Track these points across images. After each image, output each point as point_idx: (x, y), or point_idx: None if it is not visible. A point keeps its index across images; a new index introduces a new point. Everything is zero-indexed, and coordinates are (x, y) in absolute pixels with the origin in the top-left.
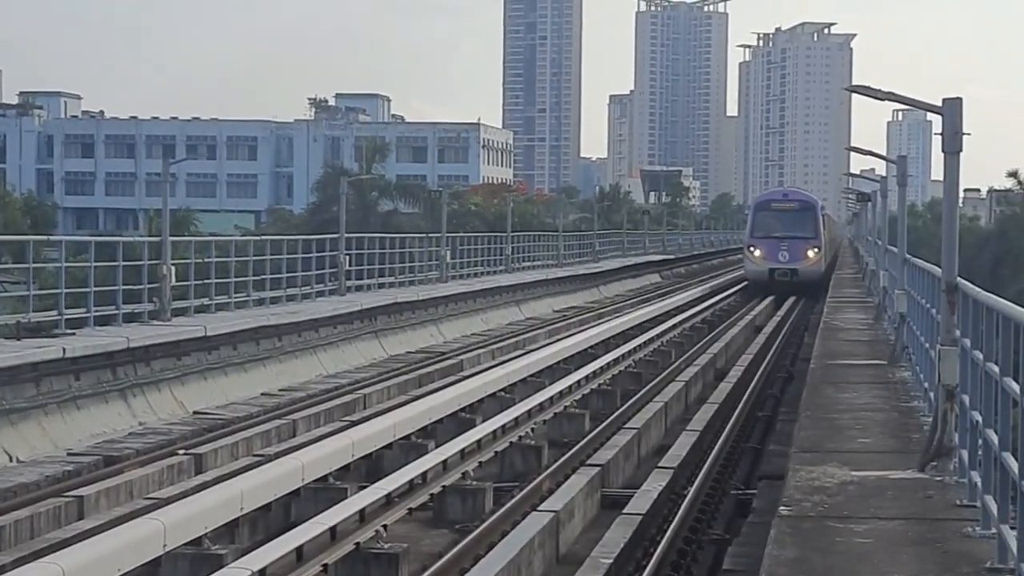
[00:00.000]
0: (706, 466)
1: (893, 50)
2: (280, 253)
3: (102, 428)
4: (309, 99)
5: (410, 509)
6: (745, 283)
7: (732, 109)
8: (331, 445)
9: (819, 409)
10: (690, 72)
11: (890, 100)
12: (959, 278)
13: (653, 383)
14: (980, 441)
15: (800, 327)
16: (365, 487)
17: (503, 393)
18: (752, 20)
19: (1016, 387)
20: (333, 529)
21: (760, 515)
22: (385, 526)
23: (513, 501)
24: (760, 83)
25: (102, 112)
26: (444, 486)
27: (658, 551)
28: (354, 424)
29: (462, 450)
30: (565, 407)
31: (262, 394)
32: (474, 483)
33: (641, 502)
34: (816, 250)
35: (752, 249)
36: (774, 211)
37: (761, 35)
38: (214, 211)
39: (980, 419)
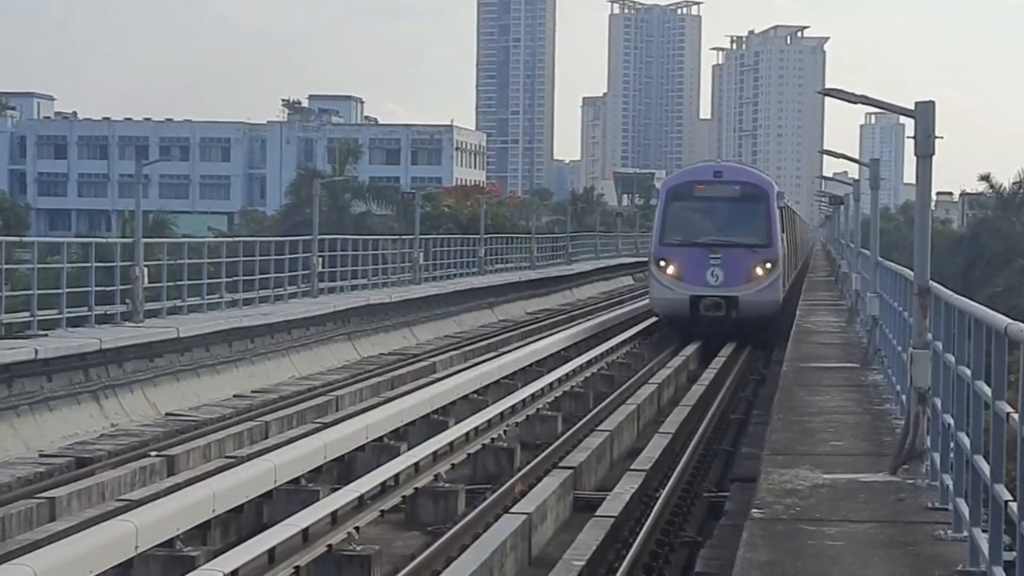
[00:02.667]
0: (678, 468)
1: (866, 54)
2: (253, 255)
3: (74, 429)
4: (282, 101)
5: (382, 511)
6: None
7: (705, 112)
8: (303, 447)
9: (791, 412)
10: (663, 75)
11: (863, 103)
12: (931, 281)
13: (625, 385)
14: (952, 444)
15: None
16: (337, 489)
17: (476, 395)
18: (725, 23)
19: (987, 390)
20: (305, 531)
21: (732, 517)
22: (357, 528)
23: (485, 503)
24: (733, 86)
25: (75, 113)
26: (416, 488)
27: (630, 553)
28: (326, 426)
29: (434, 452)
30: (538, 409)
31: (234, 396)
32: (446, 485)
33: (613, 504)
34: (769, 265)
35: (662, 265)
36: (700, 201)
37: (734, 38)
38: (187, 212)
39: (952, 422)
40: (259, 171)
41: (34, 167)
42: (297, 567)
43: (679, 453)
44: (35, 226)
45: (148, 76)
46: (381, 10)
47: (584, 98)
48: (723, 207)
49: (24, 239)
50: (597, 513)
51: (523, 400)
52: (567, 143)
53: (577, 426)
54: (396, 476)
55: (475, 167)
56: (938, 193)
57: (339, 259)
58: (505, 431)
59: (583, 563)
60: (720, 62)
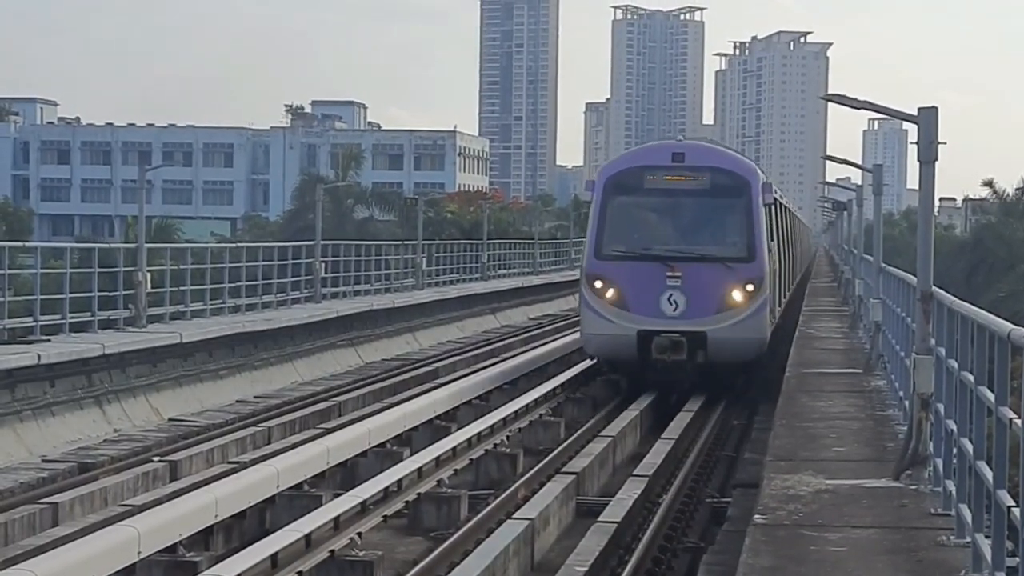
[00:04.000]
0: (681, 474)
1: (869, 59)
2: (256, 260)
3: (77, 435)
4: (285, 106)
5: (385, 516)
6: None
7: (708, 118)
8: (306, 452)
9: (794, 417)
10: (666, 80)
11: (866, 109)
12: (934, 287)
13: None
14: (955, 450)
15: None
16: (340, 494)
17: (478, 401)
18: (728, 29)
19: (991, 396)
20: (308, 536)
21: (735, 523)
22: (360, 533)
23: (488, 509)
24: (736, 92)
25: (78, 119)
26: (419, 493)
27: (633, 559)
28: (329, 431)
29: (437, 458)
30: (540, 415)
31: (237, 401)
32: (449, 491)
33: (616, 510)
34: (752, 287)
35: (598, 287)
36: (652, 195)
37: (737, 44)
38: (190, 218)
39: (955, 428)
40: (262, 177)
41: (37, 172)
42: (300, 572)
43: (682, 458)
44: (38, 231)
45: (151, 81)
46: (384, 15)
47: (587, 103)
48: (686, 204)
49: (27, 244)
50: (600, 519)
51: (526, 405)
52: (570, 149)
53: (580, 431)
54: (399, 481)
55: (478, 172)
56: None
57: (342, 264)
58: (508, 436)
59: (586, 569)
60: (723, 67)
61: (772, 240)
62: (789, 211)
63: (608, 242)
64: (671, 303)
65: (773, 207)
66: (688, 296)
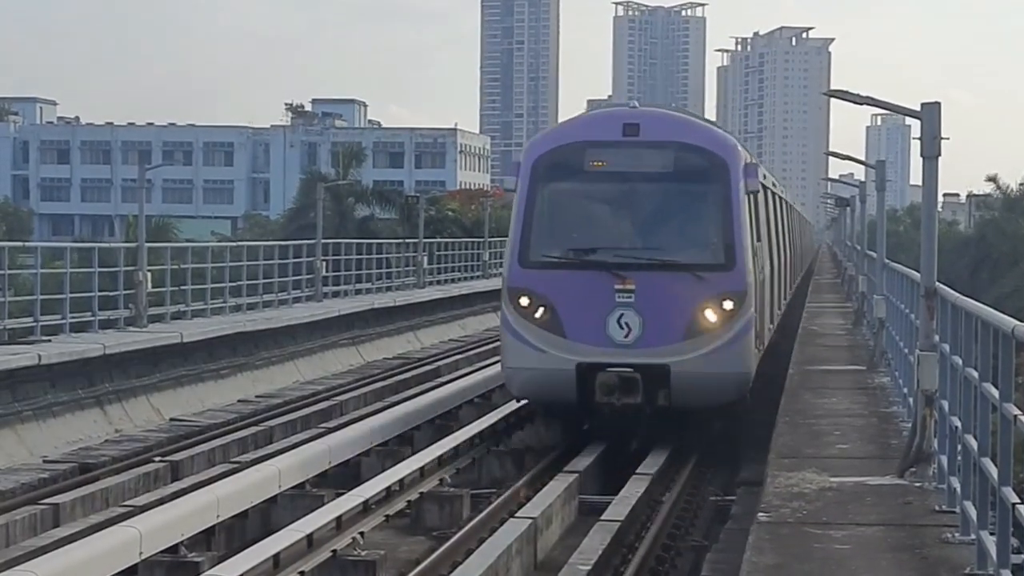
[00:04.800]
0: (685, 472)
1: (872, 54)
2: (257, 259)
3: (78, 435)
4: (286, 105)
5: (387, 516)
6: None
7: (710, 114)
8: (308, 452)
9: (798, 415)
10: (668, 77)
11: (868, 105)
12: (938, 283)
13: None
14: (959, 447)
15: None
16: (342, 494)
17: (480, 399)
18: (730, 25)
19: (995, 392)
20: (310, 536)
21: (738, 521)
22: (362, 533)
23: (491, 507)
24: (738, 88)
25: (78, 118)
26: (421, 493)
27: (636, 558)
28: (331, 431)
29: (439, 457)
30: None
31: (239, 401)
32: (451, 490)
33: (619, 509)
34: (731, 304)
35: (524, 304)
36: (597, 181)
37: (739, 40)
38: (190, 217)
39: (959, 425)
40: (263, 175)
41: (37, 172)
42: (302, 572)
43: (685, 456)
44: (38, 231)
45: (151, 80)
46: (384, 13)
47: (588, 101)
48: (642, 193)
49: (27, 244)
50: (603, 517)
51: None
52: None
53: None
54: (401, 481)
55: (479, 170)
56: (945, 194)
57: (343, 263)
58: (510, 435)
59: (589, 567)
60: (725, 64)
61: (759, 239)
62: (784, 201)
63: (536, 245)
64: (622, 326)
65: (761, 196)
66: (645, 317)
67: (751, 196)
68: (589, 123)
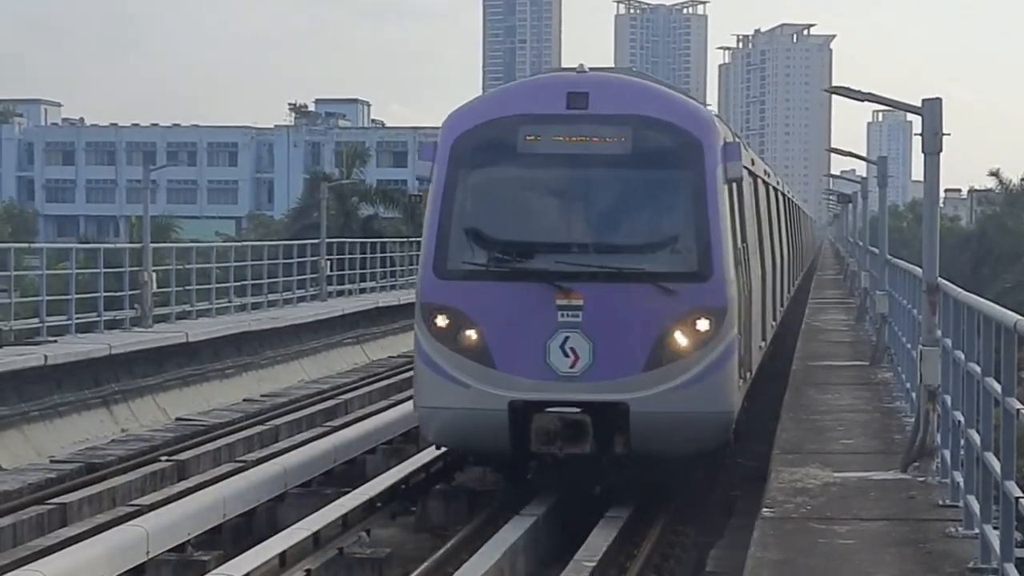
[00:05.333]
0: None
1: (873, 51)
2: (261, 259)
3: (84, 435)
4: (289, 105)
5: (393, 514)
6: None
7: (712, 110)
8: (314, 450)
9: (801, 410)
10: (670, 75)
11: (870, 101)
12: (940, 278)
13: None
14: (962, 441)
15: None
16: (348, 492)
17: None
18: (731, 22)
19: (998, 387)
20: (316, 534)
21: (743, 517)
22: (368, 531)
23: (497, 505)
24: (740, 85)
25: (82, 119)
26: (428, 491)
27: (642, 553)
28: (336, 429)
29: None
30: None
31: (244, 400)
32: (457, 487)
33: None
34: (707, 324)
35: (441, 325)
36: (533, 165)
37: (740, 37)
38: (195, 217)
39: (962, 419)
40: (267, 175)
41: (42, 173)
42: (308, 571)
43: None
44: (43, 232)
45: (155, 81)
46: (386, 13)
47: None
48: (592, 182)
49: (32, 245)
50: (607, 513)
51: None
52: None
53: None
54: (407, 478)
55: None
56: (947, 190)
57: (347, 262)
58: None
59: (594, 564)
60: (726, 61)
61: (745, 240)
62: (780, 193)
63: (457, 250)
64: (567, 353)
65: (747, 185)
66: (596, 341)
67: (733, 185)
68: (525, 92)
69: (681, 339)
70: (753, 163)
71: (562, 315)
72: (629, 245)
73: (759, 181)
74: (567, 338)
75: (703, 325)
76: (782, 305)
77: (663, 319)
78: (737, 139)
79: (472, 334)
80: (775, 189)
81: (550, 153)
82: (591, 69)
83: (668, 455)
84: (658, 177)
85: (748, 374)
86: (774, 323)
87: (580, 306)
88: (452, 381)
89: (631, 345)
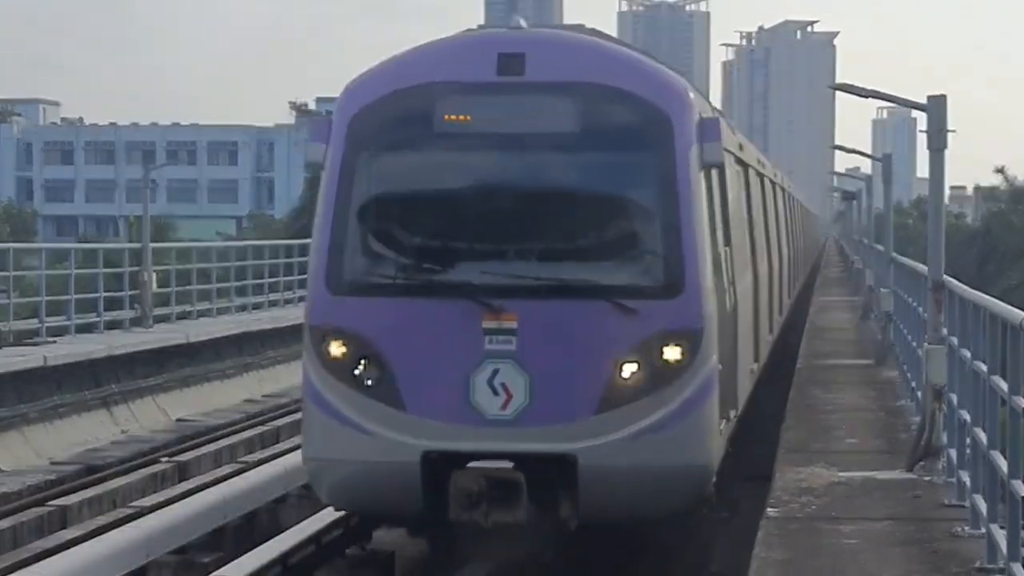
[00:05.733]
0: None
1: (877, 47)
2: (262, 258)
3: (84, 436)
4: (290, 103)
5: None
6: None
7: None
8: None
9: (806, 409)
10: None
11: (874, 98)
12: (946, 276)
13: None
14: (968, 440)
15: None
16: None
17: None
18: (734, 19)
19: (1004, 385)
20: (318, 536)
21: (747, 516)
22: (371, 532)
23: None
24: (743, 82)
25: (81, 119)
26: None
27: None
28: None
29: None
30: None
31: (245, 400)
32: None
33: None
34: (679, 351)
35: (336, 355)
36: (453, 148)
37: (744, 34)
38: (195, 217)
39: (968, 418)
40: (267, 174)
41: (40, 173)
42: (310, 572)
43: None
44: (42, 232)
45: (154, 80)
46: (387, 10)
47: None
48: (530, 170)
49: (32, 245)
50: None
51: None
52: None
53: None
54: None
55: None
56: (952, 187)
57: None
58: None
59: None
60: (730, 58)
61: (729, 241)
62: (776, 185)
63: (355, 258)
64: (496, 390)
65: (732, 173)
66: (534, 374)
67: (712, 173)
68: (444, 54)
69: (644, 371)
70: (742, 148)
71: (490, 341)
72: (577, 251)
73: (751, 171)
74: (497, 371)
75: (673, 353)
76: (780, 314)
77: (621, 346)
78: (718, 115)
79: (374, 366)
80: (772, 182)
81: (475, 133)
82: (532, 27)
83: (628, 519)
84: (614, 162)
85: (733, 411)
86: (771, 336)
87: (513, 329)
88: (349, 426)
89: (580, 380)
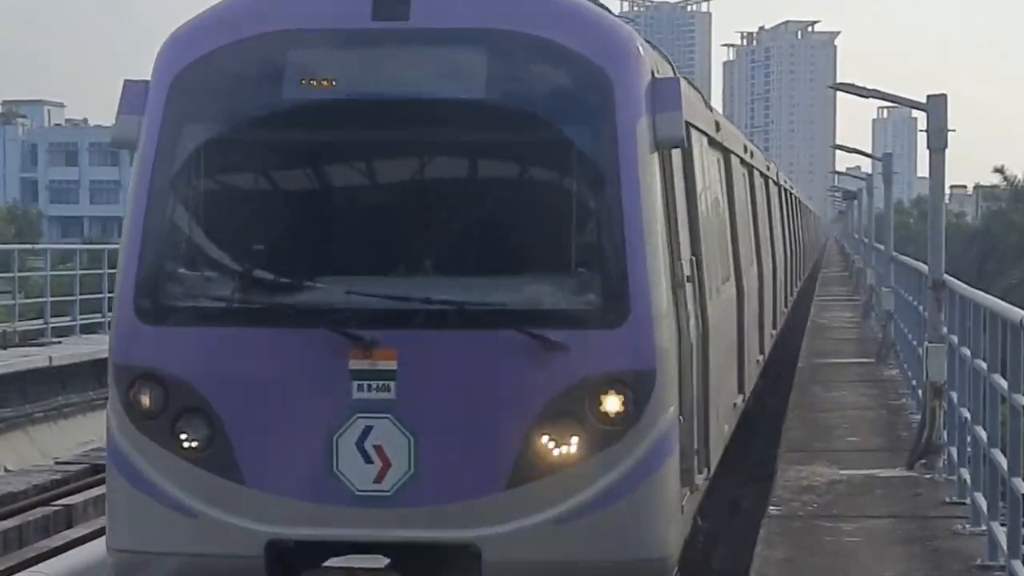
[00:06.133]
0: None
1: (878, 47)
2: None
3: (89, 436)
4: None
5: None
6: None
7: (717, 108)
8: None
9: (807, 408)
10: None
11: (874, 98)
12: (946, 275)
13: None
14: (968, 438)
15: None
16: None
17: None
18: (735, 19)
19: (1004, 383)
20: None
21: (749, 515)
22: None
23: None
24: (744, 82)
25: (86, 120)
26: None
27: None
28: None
29: None
30: None
31: None
32: None
33: None
34: (618, 402)
35: (144, 403)
36: (315, 112)
37: (744, 34)
38: None
39: (968, 416)
40: None
41: (45, 175)
42: None
43: None
44: (47, 233)
45: None
46: None
47: None
48: (417, 151)
49: (37, 246)
50: None
51: None
52: None
53: None
54: None
55: None
56: (952, 186)
57: None
58: None
59: None
60: (731, 58)
61: (696, 248)
62: (770, 179)
63: (175, 273)
64: (368, 456)
65: (713, 160)
66: (419, 435)
67: (670, 155)
68: None
69: (574, 429)
70: (719, 128)
71: (360, 388)
72: (481, 263)
73: (734, 160)
74: (369, 429)
75: (613, 403)
76: (775, 328)
77: (541, 394)
78: (680, 78)
79: (201, 422)
80: (764, 175)
81: (342, 100)
82: None
83: None
84: (532, 140)
85: (703, 474)
86: (762, 357)
87: (391, 372)
88: (167, 505)
89: (483, 442)
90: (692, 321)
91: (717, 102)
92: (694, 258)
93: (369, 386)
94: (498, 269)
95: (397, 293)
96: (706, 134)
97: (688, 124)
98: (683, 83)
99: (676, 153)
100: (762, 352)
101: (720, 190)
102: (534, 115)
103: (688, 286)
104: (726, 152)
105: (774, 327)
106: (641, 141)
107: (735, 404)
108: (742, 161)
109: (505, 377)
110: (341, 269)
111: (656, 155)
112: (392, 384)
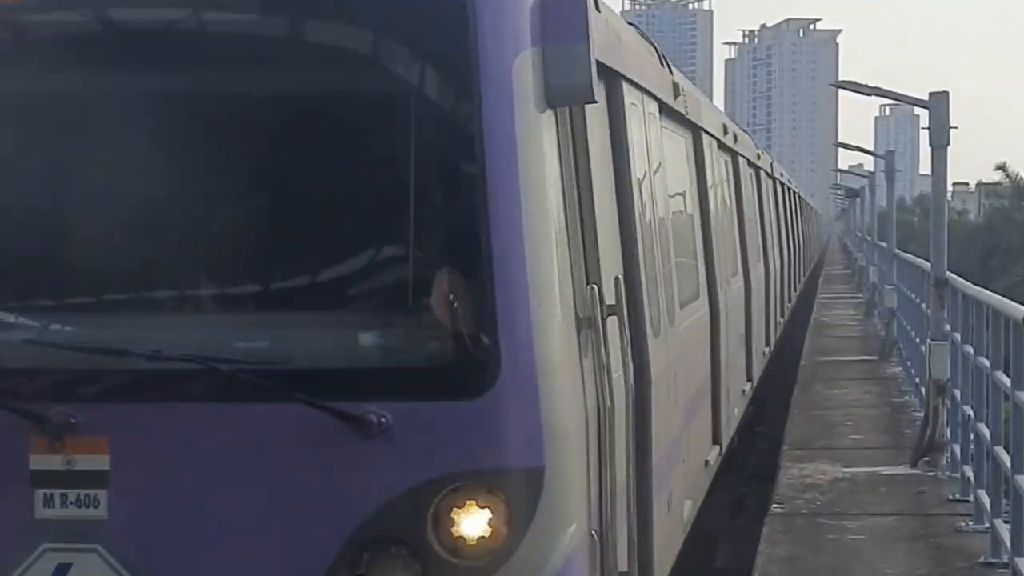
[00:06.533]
0: None
1: (880, 45)
2: None
3: None
4: None
5: None
6: None
7: (719, 106)
8: None
9: (810, 406)
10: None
11: (876, 95)
12: (948, 272)
13: None
14: (972, 436)
15: None
16: None
17: None
18: (737, 17)
19: (1007, 381)
20: None
21: (752, 513)
22: None
23: None
24: (746, 80)
25: None
26: None
27: None
28: None
29: None
30: None
31: None
32: None
33: None
34: (485, 513)
35: None
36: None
37: (746, 32)
38: None
39: (971, 413)
40: None
41: None
42: None
43: None
44: None
45: None
46: None
47: None
48: (171, 111)
49: None
50: None
51: None
52: None
53: None
54: None
55: None
56: (954, 183)
57: None
58: None
59: None
60: (732, 56)
61: (636, 261)
62: (762, 171)
63: None
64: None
65: (679, 140)
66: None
67: (573, 117)
68: None
69: (405, 570)
70: (678, 93)
71: (48, 500)
72: (253, 293)
73: (709, 142)
74: (64, 568)
75: (471, 525)
76: (767, 345)
77: (349, 510)
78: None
79: None
80: (755, 166)
81: (60, 36)
82: None
83: None
84: (345, 93)
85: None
86: (749, 386)
87: (100, 475)
88: None
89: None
90: (618, 374)
91: (719, 100)
92: (621, 277)
93: (63, 498)
94: (283, 303)
95: (112, 342)
96: (656, 98)
97: (617, 74)
98: (603, 9)
99: (594, 115)
100: (750, 379)
101: (692, 180)
102: (348, 53)
103: (612, 319)
104: (697, 130)
105: (768, 343)
106: (519, 92)
107: (707, 462)
108: (725, 147)
109: (289, 483)
110: (23, 302)
111: (548, 115)
112: (101, 495)
